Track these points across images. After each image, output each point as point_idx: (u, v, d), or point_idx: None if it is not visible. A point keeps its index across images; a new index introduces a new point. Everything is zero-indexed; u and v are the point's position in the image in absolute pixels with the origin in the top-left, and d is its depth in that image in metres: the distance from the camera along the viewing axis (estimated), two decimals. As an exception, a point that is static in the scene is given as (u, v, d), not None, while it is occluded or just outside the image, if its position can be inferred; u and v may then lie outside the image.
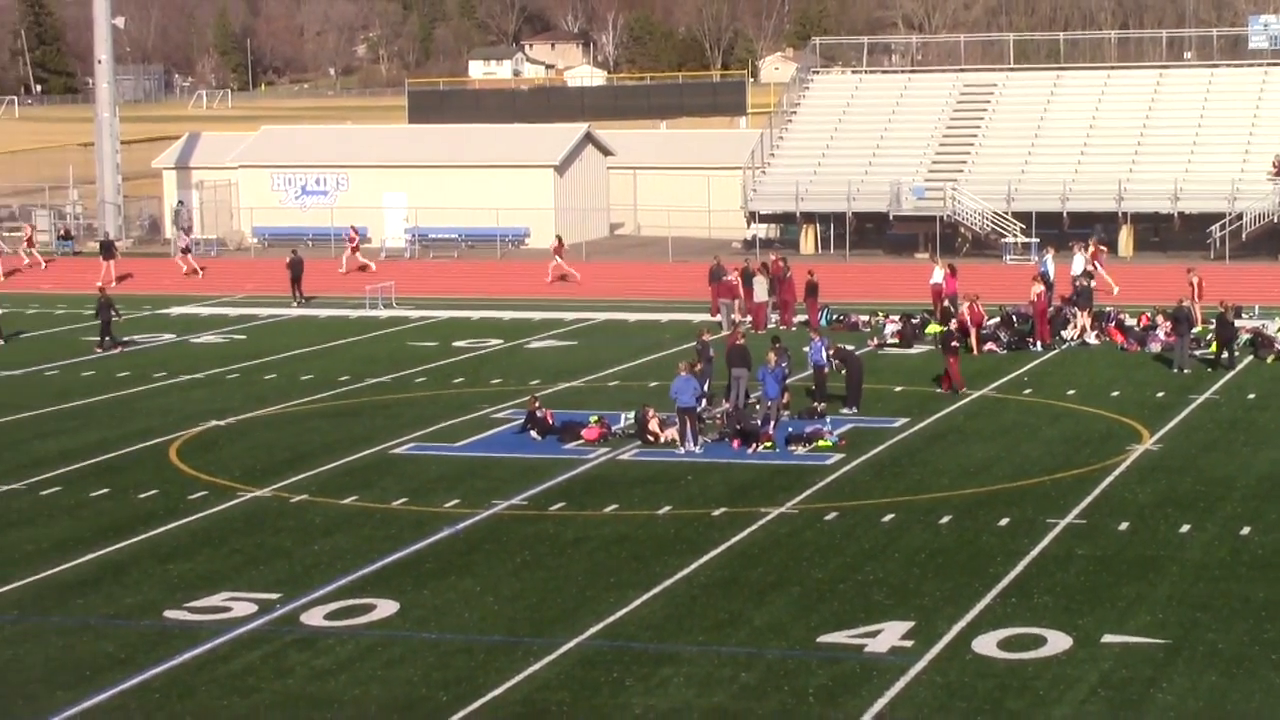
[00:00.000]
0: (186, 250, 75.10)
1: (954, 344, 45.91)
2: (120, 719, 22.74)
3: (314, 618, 26.76)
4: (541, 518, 32.77)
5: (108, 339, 53.85)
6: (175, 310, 63.15)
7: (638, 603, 27.37)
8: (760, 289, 55.94)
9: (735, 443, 38.42)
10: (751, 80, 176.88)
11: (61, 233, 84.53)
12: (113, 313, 54.30)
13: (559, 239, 71.64)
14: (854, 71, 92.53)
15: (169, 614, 27.04)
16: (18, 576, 29.09)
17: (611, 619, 26.60)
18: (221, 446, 39.49)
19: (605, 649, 25.28)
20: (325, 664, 24.73)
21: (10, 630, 26.34)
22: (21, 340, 56.12)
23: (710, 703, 23.24)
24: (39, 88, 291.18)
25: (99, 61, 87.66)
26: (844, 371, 42.86)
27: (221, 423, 42.17)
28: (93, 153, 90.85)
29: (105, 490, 35.19)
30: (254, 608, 27.23)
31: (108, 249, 72.68)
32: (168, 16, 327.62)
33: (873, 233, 79.41)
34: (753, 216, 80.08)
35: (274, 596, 27.80)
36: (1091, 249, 61.13)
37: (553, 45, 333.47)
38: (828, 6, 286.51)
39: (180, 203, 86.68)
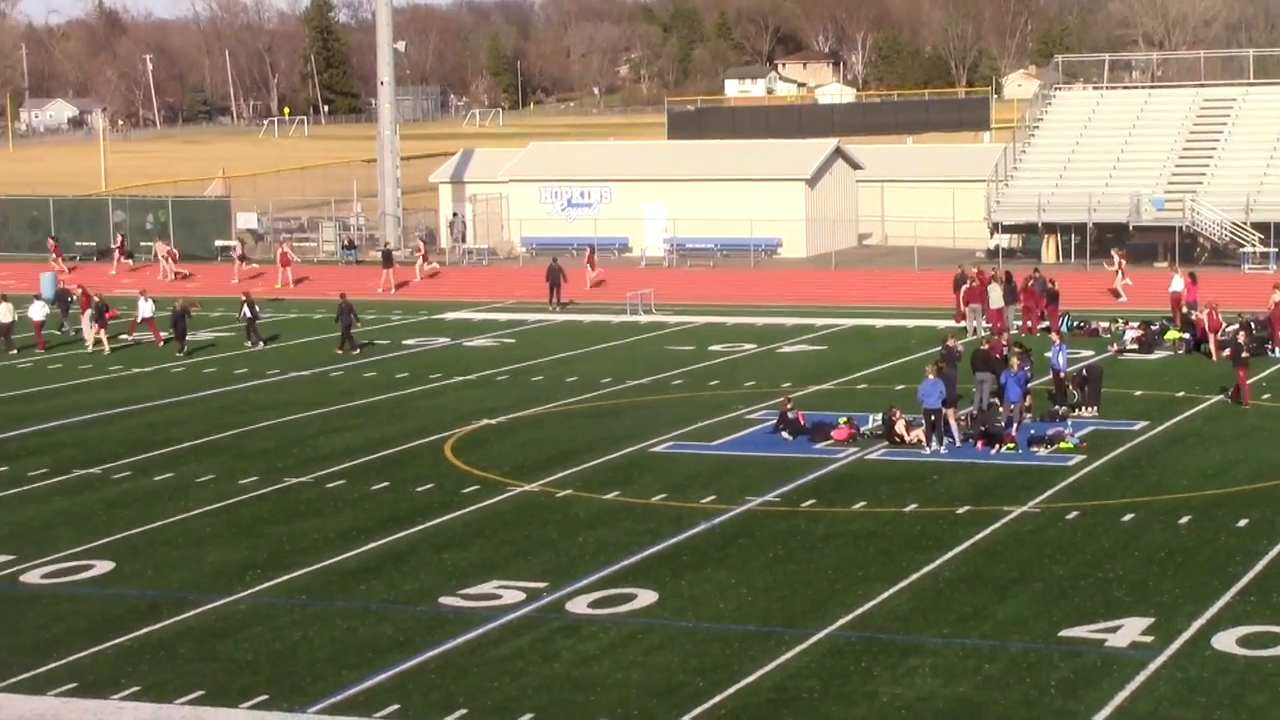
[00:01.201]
0: (425, 257, 75.99)
1: (1244, 355, 44.13)
2: (399, 697, 23.03)
3: (579, 606, 26.92)
4: (793, 514, 32.67)
5: (348, 343, 54.72)
6: (450, 315, 63.97)
7: (885, 596, 27.18)
8: (995, 296, 55.28)
9: (979, 444, 38.00)
10: (995, 97, 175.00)
11: (346, 243, 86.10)
12: (353, 317, 55.20)
13: (591, 250, 73.14)
14: (1095, 88, 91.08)
15: (444, 600, 27.37)
16: (306, 563, 29.63)
17: (860, 611, 26.44)
18: (492, 444, 39.90)
19: (854, 639, 25.14)
20: (589, 649, 24.87)
21: (299, 613, 26.83)
22: (307, 343, 57.15)
23: (955, 692, 23.00)
24: (326, 108, 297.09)
25: (381, 83, 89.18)
26: (1085, 388, 42.21)
27: (492, 421, 42.62)
28: (375, 168, 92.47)
29: (385, 484, 35.72)
30: (523, 595, 27.46)
31: (387, 258, 73.89)
32: (444, 41, 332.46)
33: (1113, 242, 78.08)
34: (996, 227, 79.20)
35: (541, 585, 28.01)
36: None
37: (804, 64, 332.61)
38: (1070, 25, 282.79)
39: (455, 214, 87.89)
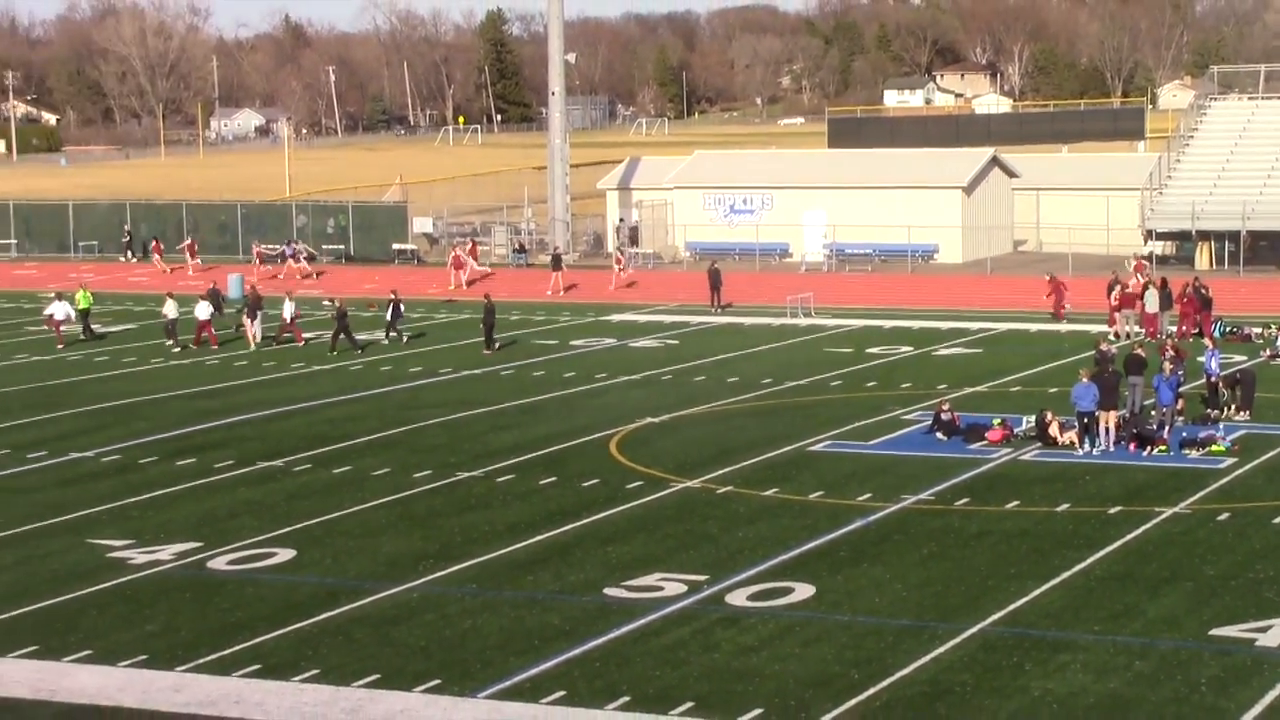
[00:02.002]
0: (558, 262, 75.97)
1: None
2: (565, 684, 23.14)
3: (738, 598, 26.91)
4: (947, 512, 32.45)
5: (494, 341, 55.31)
6: (615, 317, 64.17)
7: (1037, 593, 26.91)
8: (1151, 301, 54.55)
9: (1132, 446, 37.53)
10: (1150, 107, 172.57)
11: (516, 246, 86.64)
12: (494, 317, 55.63)
13: (620, 253, 73.44)
14: (1250, 98, 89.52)
15: (608, 591, 27.46)
16: (476, 554, 29.85)
17: (1012, 607, 26.20)
18: (655, 441, 39.97)
19: (1006, 635, 24.92)
20: (748, 640, 24.85)
21: (470, 602, 27.05)
22: (473, 343, 57.54)
23: (1106, 688, 22.73)
24: (499, 117, 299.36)
25: (552, 93, 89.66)
26: (1238, 392, 41.55)
27: (656, 420, 42.70)
28: (545, 175, 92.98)
29: (553, 479, 35.90)
30: (684, 588, 27.50)
31: (556, 261, 74.26)
32: (613, 52, 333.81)
33: (1266, 250, 76.81)
34: (1150, 234, 78.16)
35: (702, 578, 28.03)
36: None
37: (962, 75, 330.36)
38: (1225, 36, 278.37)
39: (621, 220, 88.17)
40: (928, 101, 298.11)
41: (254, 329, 57.32)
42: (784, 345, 56.23)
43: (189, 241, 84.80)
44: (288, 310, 57.99)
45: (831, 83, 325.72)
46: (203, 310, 57.73)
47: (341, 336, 55.47)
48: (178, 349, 56.45)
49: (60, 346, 57.55)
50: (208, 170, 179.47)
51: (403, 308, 58.48)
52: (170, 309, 57.42)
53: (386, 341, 56.67)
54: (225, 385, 49.39)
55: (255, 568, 29.19)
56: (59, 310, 58.28)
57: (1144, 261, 64.32)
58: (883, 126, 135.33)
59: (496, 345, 55.39)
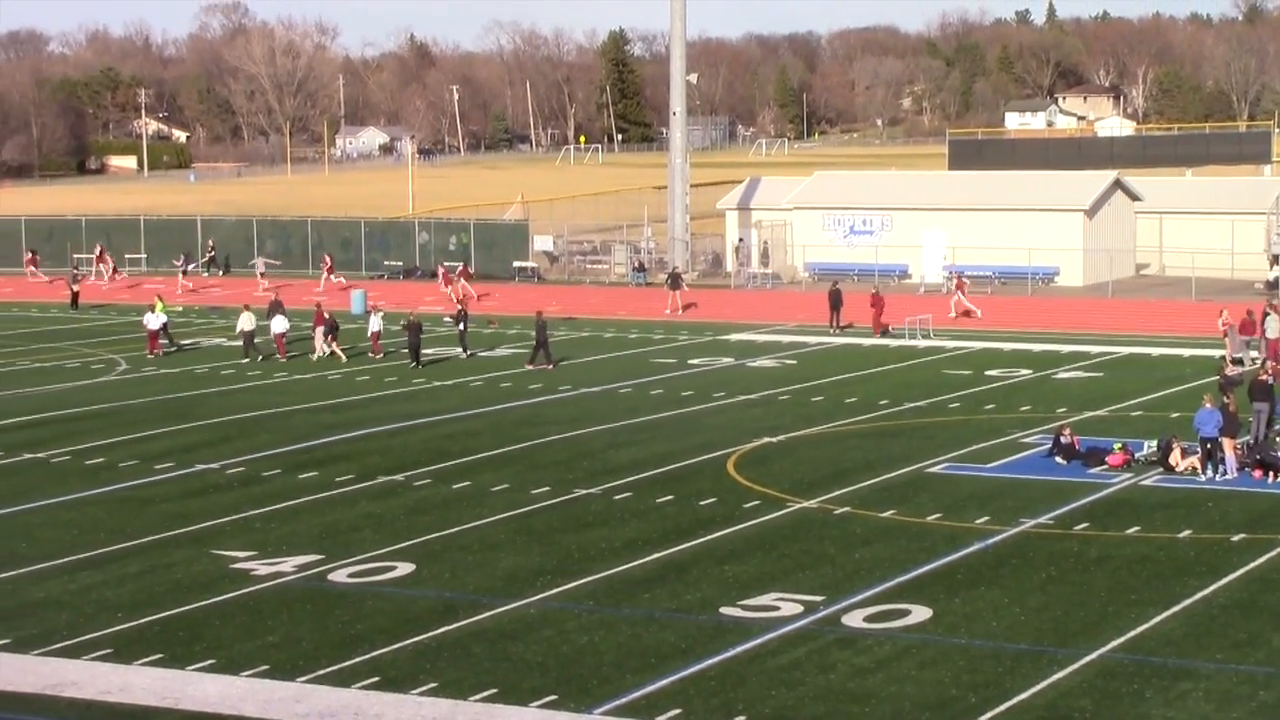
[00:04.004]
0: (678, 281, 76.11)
1: None
2: (680, 702, 23.10)
3: (854, 619, 26.77)
4: (1066, 536, 32.13)
5: (541, 355, 55.73)
6: (734, 336, 64.10)
7: (1157, 620, 26.57)
8: (1274, 327, 53.81)
9: (1256, 473, 37.00)
10: (1277, 130, 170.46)
11: (636, 265, 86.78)
12: (548, 333, 56.14)
13: (674, 274, 74.04)
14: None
15: (724, 610, 27.39)
16: (593, 571, 29.87)
17: (1132, 634, 25.89)
18: (773, 461, 39.87)
19: (1126, 661, 24.62)
20: (864, 662, 24.71)
21: (587, 618, 27.07)
22: (591, 361, 57.70)
23: (1228, 718, 22.38)
24: (620, 137, 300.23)
25: (673, 113, 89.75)
26: None
27: (773, 439, 42.59)
28: (665, 194, 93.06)
29: (670, 497, 35.88)
30: (800, 608, 27.38)
31: (675, 280, 74.30)
32: (734, 73, 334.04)
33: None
34: (1276, 259, 77.10)
35: (818, 598, 27.90)
36: None
37: (1084, 98, 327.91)
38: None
39: (740, 239, 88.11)
40: (1049, 124, 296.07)
41: (322, 343, 58.24)
42: (902, 366, 55.95)
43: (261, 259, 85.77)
44: (374, 323, 59.21)
45: (952, 104, 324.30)
46: (279, 324, 58.72)
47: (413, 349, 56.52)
48: (259, 359, 57.38)
49: (150, 355, 59.17)
50: (332, 187, 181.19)
51: (469, 321, 59.39)
52: (246, 321, 58.26)
53: (532, 367, 56.51)
54: (347, 400, 49.78)
55: (375, 581, 29.36)
56: (153, 321, 59.83)
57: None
58: (1004, 148, 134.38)
59: (548, 364, 55.57)
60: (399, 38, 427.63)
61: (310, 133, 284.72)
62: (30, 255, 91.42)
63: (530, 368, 55.33)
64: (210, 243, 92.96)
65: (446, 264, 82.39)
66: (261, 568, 30.16)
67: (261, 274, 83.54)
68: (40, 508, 35.32)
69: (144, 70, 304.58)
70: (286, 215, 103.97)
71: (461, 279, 78.39)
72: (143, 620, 26.96)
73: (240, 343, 58.60)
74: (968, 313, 69.16)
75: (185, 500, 35.92)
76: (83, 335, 66.38)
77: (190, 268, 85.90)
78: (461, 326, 58.76)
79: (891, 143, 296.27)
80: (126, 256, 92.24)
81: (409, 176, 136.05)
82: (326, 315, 58.85)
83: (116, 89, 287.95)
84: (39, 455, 41.06)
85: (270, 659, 24.95)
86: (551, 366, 55.43)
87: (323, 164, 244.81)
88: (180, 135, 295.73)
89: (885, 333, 63.14)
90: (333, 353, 57.85)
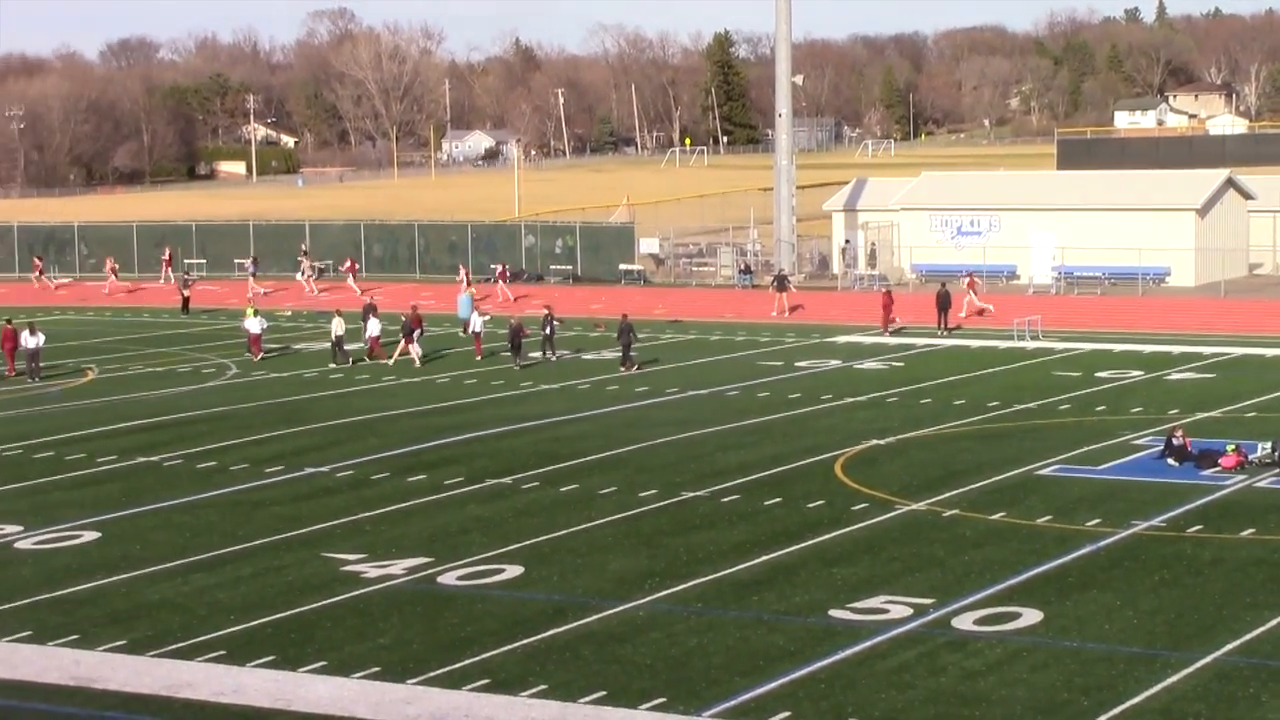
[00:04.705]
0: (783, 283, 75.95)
1: None
2: (790, 705, 23.08)
3: (964, 622, 26.65)
4: (1179, 539, 31.84)
5: (628, 361, 55.97)
6: (841, 339, 63.95)
7: (1274, 622, 26.26)
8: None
9: (1372, 474, 36.55)
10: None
11: (742, 268, 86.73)
12: (632, 336, 56.30)
13: (780, 276, 74.03)
14: None
15: (833, 613, 27.35)
16: (701, 574, 29.89)
17: (1248, 637, 25.61)
18: (881, 463, 39.75)
19: (1242, 665, 24.37)
20: (975, 665, 24.60)
21: (695, 621, 27.10)
22: (698, 364, 57.73)
23: (1344, 723, 22.14)
24: (725, 139, 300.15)
25: (779, 115, 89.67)
26: None
27: (881, 441, 42.46)
28: (771, 196, 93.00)
29: (778, 499, 35.85)
30: (909, 610, 27.30)
31: (781, 282, 74.21)
32: (839, 74, 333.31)
33: None
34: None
35: (928, 601, 27.81)
36: None
37: (1196, 96, 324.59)
38: None
39: (847, 241, 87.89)
40: (1160, 122, 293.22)
41: (415, 349, 58.61)
42: (1011, 368, 55.62)
43: (350, 263, 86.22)
44: (476, 324, 59.91)
45: (1061, 104, 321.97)
46: (374, 327, 59.40)
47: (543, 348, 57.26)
48: (346, 364, 57.97)
49: (255, 359, 59.91)
50: (439, 191, 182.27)
51: (556, 323, 59.49)
52: (338, 326, 58.81)
53: (626, 371, 56.59)
54: (455, 403, 50.07)
55: (484, 583, 29.51)
56: (254, 325, 60.77)
57: None
58: (1113, 148, 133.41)
59: (635, 367, 55.76)
60: (504, 42, 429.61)
61: (416, 137, 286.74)
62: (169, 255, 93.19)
63: (625, 371, 55.44)
64: (304, 246, 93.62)
65: (486, 267, 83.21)
66: (372, 570, 30.40)
67: (309, 277, 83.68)
68: (154, 511, 35.78)
69: (252, 76, 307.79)
70: (393, 219, 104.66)
71: (500, 281, 79.30)
72: (255, 622, 27.25)
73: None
74: (981, 311, 69.11)
75: (296, 503, 36.26)
76: (193, 340, 67.15)
77: (259, 271, 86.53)
78: (548, 331, 58.82)
79: (999, 143, 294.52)
80: (236, 262, 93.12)
81: (515, 180, 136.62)
82: (404, 317, 59.71)
83: (225, 95, 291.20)
84: (152, 459, 41.59)
85: (381, 661, 25.16)
86: (629, 369, 55.48)
87: (429, 168, 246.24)
88: (288, 141, 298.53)
89: (896, 332, 64.29)
90: (403, 355, 58.52)
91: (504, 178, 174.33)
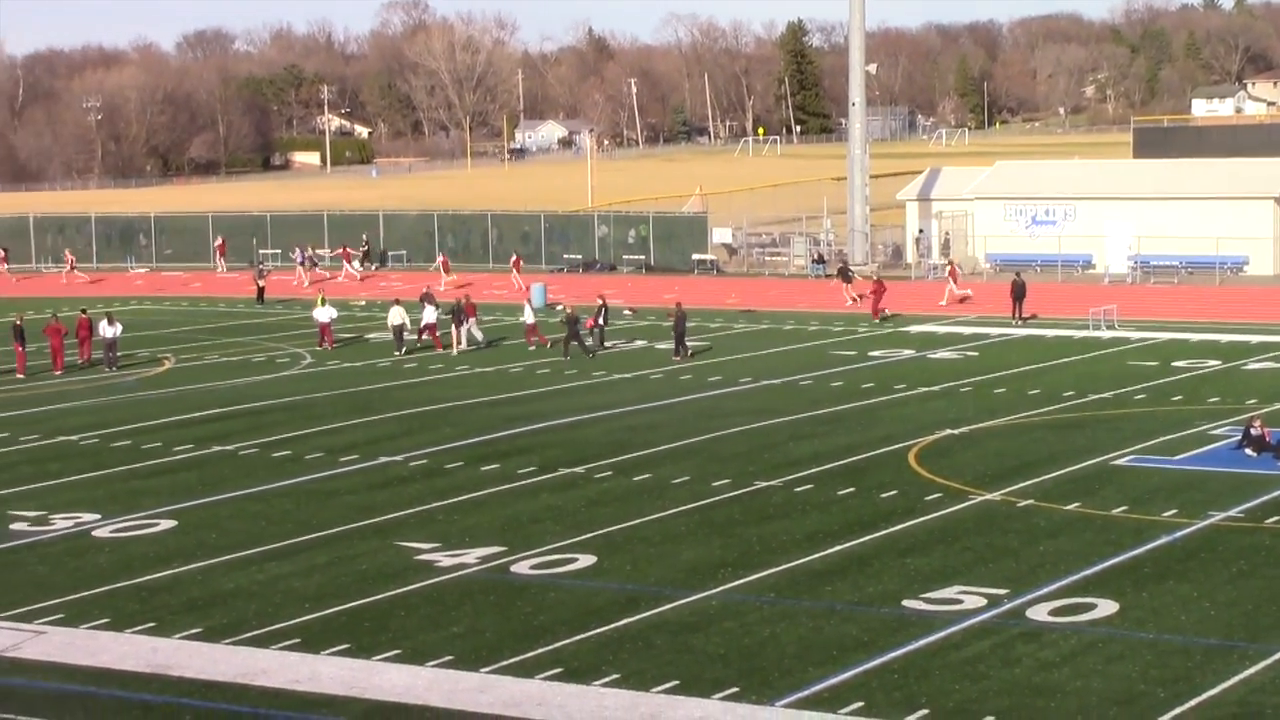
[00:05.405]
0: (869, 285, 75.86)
1: None
2: (863, 695, 23.03)
3: (1039, 613, 26.51)
4: (1257, 529, 31.57)
5: (682, 349, 56.17)
6: (915, 328, 63.74)
7: (1354, 615, 26.06)
8: None
9: None
10: None
11: (815, 257, 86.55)
12: (685, 325, 56.52)
13: (843, 266, 74.29)
14: None
15: (906, 603, 27.26)
16: (774, 563, 29.86)
17: (1327, 630, 25.41)
18: (955, 453, 39.59)
19: (1319, 658, 24.17)
20: (1049, 656, 24.47)
21: (768, 610, 27.06)
22: (771, 353, 57.66)
23: None
24: (798, 128, 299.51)
25: (853, 104, 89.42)
26: None
27: (955, 431, 42.30)
28: (844, 186, 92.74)
29: (851, 489, 35.77)
30: (983, 601, 27.18)
31: (845, 273, 74.13)
32: (913, 62, 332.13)
33: None
34: None
35: (1002, 592, 27.68)
36: None
37: (1275, 83, 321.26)
38: None
39: (921, 231, 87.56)
40: (1238, 110, 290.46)
41: (461, 334, 59.21)
42: (1086, 358, 55.29)
43: (442, 257, 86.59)
44: (527, 316, 60.23)
45: (1137, 92, 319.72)
46: (429, 314, 59.92)
47: (574, 343, 56.86)
48: (408, 352, 58.47)
49: (323, 347, 60.40)
50: (512, 181, 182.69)
51: (608, 315, 59.95)
52: (396, 315, 59.15)
53: (679, 360, 56.64)
54: (528, 393, 50.18)
55: (557, 573, 29.56)
56: (324, 314, 61.29)
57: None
58: (1190, 136, 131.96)
59: (689, 353, 55.92)
60: (577, 31, 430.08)
61: (490, 127, 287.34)
62: (221, 242, 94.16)
63: (678, 360, 55.49)
64: (365, 237, 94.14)
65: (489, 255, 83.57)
66: (445, 559, 30.50)
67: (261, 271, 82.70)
68: (228, 499, 36.02)
69: (327, 67, 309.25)
70: (467, 209, 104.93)
71: (514, 270, 80.00)
72: (329, 610, 27.39)
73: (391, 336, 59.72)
74: (962, 300, 69.22)
75: (370, 492, 36.42)
76: (268, 330, 67.56)
77: (304, 261, 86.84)
78: (601, 321, 59.05)
79: (1074, 131, 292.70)
80: (314, 251, 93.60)
81: (588, 170, 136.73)
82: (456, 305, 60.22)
83: (300, 86, 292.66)
84: (227, 448, 41.87)
85: (454, 649, 25.24)
86: (682, 359, 55.67)
87: (502, 158, 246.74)
88: (362, 131, 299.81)
89: (884, 318, 65.33)
90: (458, 340, 59.21)
91: (577, 168, 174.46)
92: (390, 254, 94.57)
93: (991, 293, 72.17)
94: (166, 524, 33.76)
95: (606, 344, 59.00)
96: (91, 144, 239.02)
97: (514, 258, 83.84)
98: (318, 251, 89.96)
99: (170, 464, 40.10)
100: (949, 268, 73.07)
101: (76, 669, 24.62)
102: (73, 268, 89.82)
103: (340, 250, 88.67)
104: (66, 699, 23.42)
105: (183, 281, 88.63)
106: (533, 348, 59.20)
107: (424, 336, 59.88)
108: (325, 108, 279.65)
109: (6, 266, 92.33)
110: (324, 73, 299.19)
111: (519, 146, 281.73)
